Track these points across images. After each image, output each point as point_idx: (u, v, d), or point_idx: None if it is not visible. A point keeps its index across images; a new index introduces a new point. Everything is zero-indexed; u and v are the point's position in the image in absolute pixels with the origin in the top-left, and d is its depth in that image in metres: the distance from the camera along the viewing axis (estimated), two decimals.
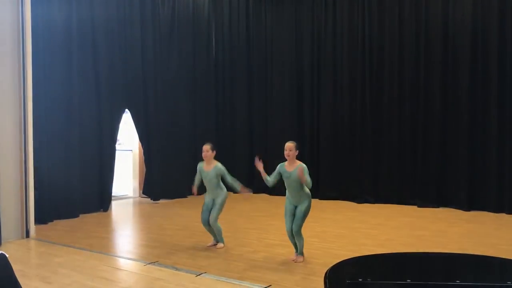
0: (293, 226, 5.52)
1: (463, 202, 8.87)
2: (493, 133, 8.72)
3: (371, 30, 10.05)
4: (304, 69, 11.03)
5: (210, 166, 6.26)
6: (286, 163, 5.57)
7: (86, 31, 8.99)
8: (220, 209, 6.27)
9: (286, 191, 5.63)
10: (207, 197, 6.40)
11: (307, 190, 5.55)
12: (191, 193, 10.81)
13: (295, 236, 5.55)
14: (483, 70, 8.82)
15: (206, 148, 6.27)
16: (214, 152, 6.28)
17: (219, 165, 6.27)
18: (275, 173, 5.60)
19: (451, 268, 3.11)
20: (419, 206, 9.26)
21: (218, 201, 6.25)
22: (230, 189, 6.41)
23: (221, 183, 6.32)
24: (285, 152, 5.53)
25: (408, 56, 9.63)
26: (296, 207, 5.59)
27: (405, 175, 9.67)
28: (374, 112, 10.02)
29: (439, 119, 9.28)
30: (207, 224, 6.33)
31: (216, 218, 6.26)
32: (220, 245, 6.36)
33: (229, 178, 6.27)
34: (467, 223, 7.84)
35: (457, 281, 2.53)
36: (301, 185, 5.47)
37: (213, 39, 12.12)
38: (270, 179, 5.62)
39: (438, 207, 9.16)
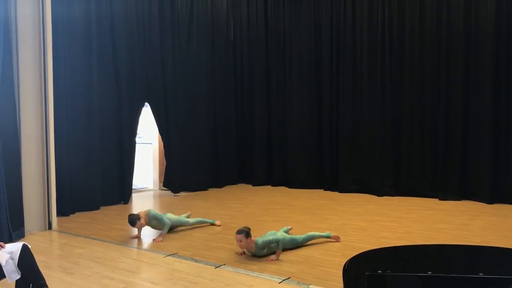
0: None
1: (486, 194, 8.69)
2: None
3: (391, 24, 9.84)
4: (323, 63, 10.86)
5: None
6: None
7: (105, 26, 9.04)
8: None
9: None
10: None
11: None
12: (211, 186, 11.05)
13: None
14: (507, 60, 8.59)
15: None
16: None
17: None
18: None
19: (473, 260, 3.04)
20: (440, 199, 9.12)
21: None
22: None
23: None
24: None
25: (430, 49, 9.40)
26: None
27: (426, 167, 9.52)
28: (394, 104, 9.86)
29: (461, 111, 9.08)
30: None
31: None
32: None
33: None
34: (491, 216, 7.69)
35: (480, 274, 2.47)
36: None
37: (232, 32, 12.07)
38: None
39: (460, 199, 9.00)
